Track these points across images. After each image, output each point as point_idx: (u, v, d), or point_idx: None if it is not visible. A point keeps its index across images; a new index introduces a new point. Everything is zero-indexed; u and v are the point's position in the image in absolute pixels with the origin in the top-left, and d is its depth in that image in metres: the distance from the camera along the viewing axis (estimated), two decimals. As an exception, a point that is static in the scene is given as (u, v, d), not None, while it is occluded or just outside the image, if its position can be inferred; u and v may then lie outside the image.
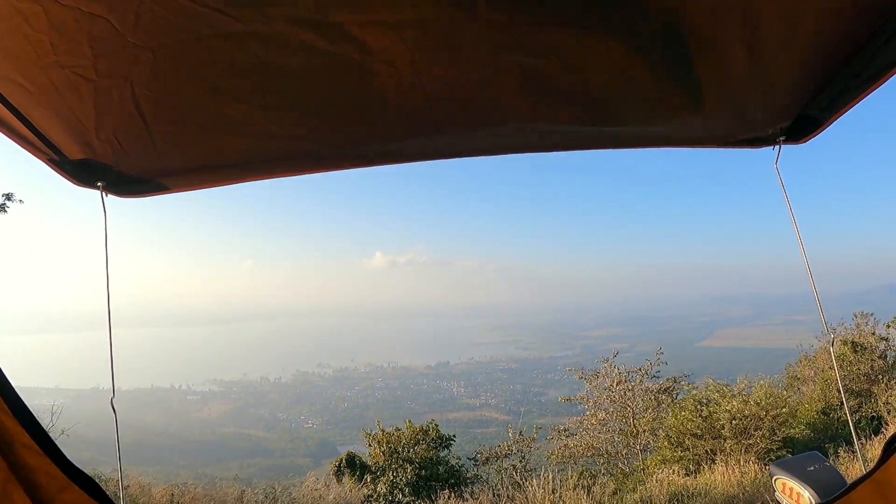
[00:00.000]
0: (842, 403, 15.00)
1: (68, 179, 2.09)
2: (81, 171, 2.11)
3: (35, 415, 1.96)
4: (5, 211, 14.61)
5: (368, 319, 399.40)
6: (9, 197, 14.63)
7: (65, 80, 1.71)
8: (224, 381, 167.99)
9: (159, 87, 1.80)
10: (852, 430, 13.33)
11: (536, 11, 1.64)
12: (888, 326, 17.04)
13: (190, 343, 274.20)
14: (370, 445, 14.90)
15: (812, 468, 2.12)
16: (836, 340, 17.25)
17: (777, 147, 2.27)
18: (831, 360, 16.83)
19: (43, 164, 2.02)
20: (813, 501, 1.99)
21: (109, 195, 2.23)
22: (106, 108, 1.84)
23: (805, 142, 2.23)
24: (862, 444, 11.14)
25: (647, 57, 1.84)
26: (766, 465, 10.94)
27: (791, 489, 2.10)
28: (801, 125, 2.18)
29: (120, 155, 2.06)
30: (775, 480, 2.23)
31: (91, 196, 2.16)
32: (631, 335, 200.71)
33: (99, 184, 2.16)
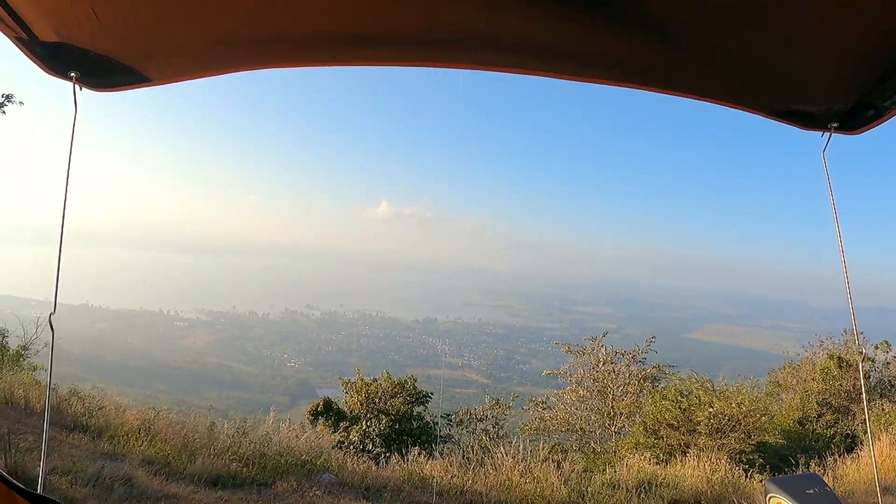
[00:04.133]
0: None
1: (38, 65, 1.85)
2: (53, 58, 1.84)
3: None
4: (3, 112, 13.94)
5: (364, 267, 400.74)
6: (8, 98, 13.92)
7: None
8: (212, 312, 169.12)
9: None
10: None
11: None
12: (876, 348, 16.95)
13: (183, 270, 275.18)
14: (347, 393, 14.96)
15: (811, 491, 1.98)
16: (827, 352, 17.21)
17: (827, 134, 2.04)
18: (817, 372, 16.71)
19: (12, 45, 1.77)
20: None
21: (84, 88, 1.96)
22: None
23: (859, 133, 2.01)
24: (834, 459, 11.11)
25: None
26: (736, 465, 10.94)
27: (786, 512, 1.96)
28: (859, 113, 1.95)
29: (97, 35, 1.78)
30: (769, 499, 2.07)
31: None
32: (620, 317, 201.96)
33: (72, 74, 1.89)
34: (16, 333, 12.14)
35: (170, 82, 2.09)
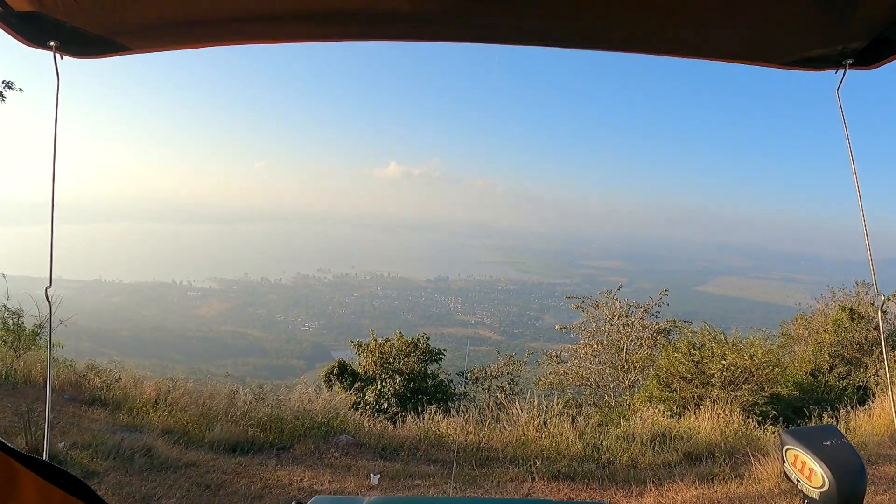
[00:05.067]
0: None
1: (16, 38, 1.78)
2: (31, 27, 1.78)
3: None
4: (3, 99, 13.65)
5: (373, 229, 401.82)
6: (8, 85, 13.59)
7: None
8: (225, 280, 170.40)
9: None
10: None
11: None
12: (888, 300, 16.83)
13: (194, 240, 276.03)
14: (360, 354, 15.07)
15: (828, 443, 1.96)
16: (839, 304, 17.15)
17: (842, 71, 1.95)
18: (829, 324, 16.64)
19: None
20: (825, 480, 1.85)
21: (65, 56, 1.90)
22: None
23: (875, 67, 1.93)
24: (847, 411, 11.13)
25: None
26: (749, 416, 10.98)
27: (803, 463, 1.94)
28: (875, 48, 1.86)
29: (72, 6, 1.72)
30: (786, 451, 2.05)
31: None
32: (630, 270, 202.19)
33: (52, 43, 1.83)
34: (31, 313, 12.31)
35: (150, 52, 2.01)
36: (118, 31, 1.89)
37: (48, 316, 2.24)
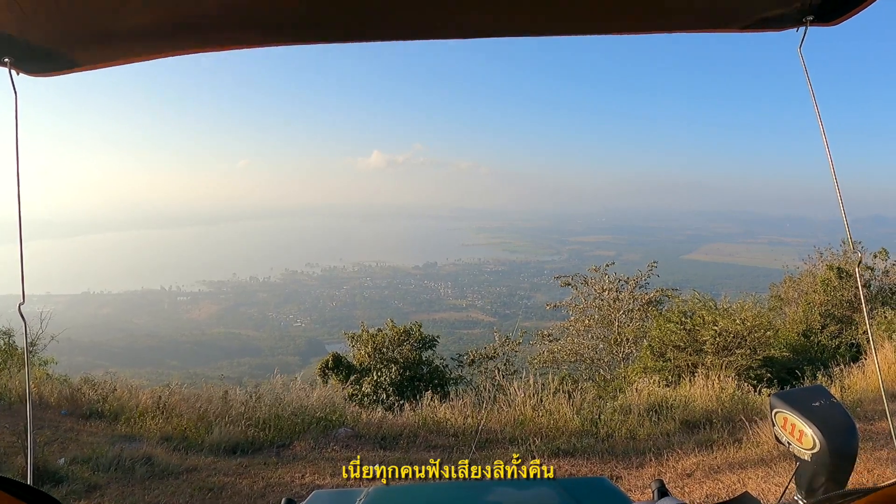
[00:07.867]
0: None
1: None
2: None
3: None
4: None
5: (359, 219, 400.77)
6: None
7: None
8: (213, 282, 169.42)
9: None
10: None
11: None
12: (875, 256, 17.00)
13: (179, 245, 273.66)
14: (353, 346, 15.05)
15: (817, 404, 1.96)
16: (826, 264, 17.27)
17: (803, 29, 1.89)
18: (817, 284, 16.76)
19: None
20: (816, 441, 1.86)
21: (20, 73, 1.85)
22: None
23: (836, 24, 1.87)
24: (840, 370, 11.23)
25: None
26: (744, 381, 11.08)
27: (793, 425, 1.94)
28: (833, 3, 1.81)
29: (23, 22, 1.67)
30: (775, 414, 2.04)
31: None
32: (617, 243, 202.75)
33: (6, 60, 1.78)
34: (21, 331, 12.17)
35: (98, 68, 1.96)
36: (68, 44, 1.84)
37: (24, 332, 2.17)
